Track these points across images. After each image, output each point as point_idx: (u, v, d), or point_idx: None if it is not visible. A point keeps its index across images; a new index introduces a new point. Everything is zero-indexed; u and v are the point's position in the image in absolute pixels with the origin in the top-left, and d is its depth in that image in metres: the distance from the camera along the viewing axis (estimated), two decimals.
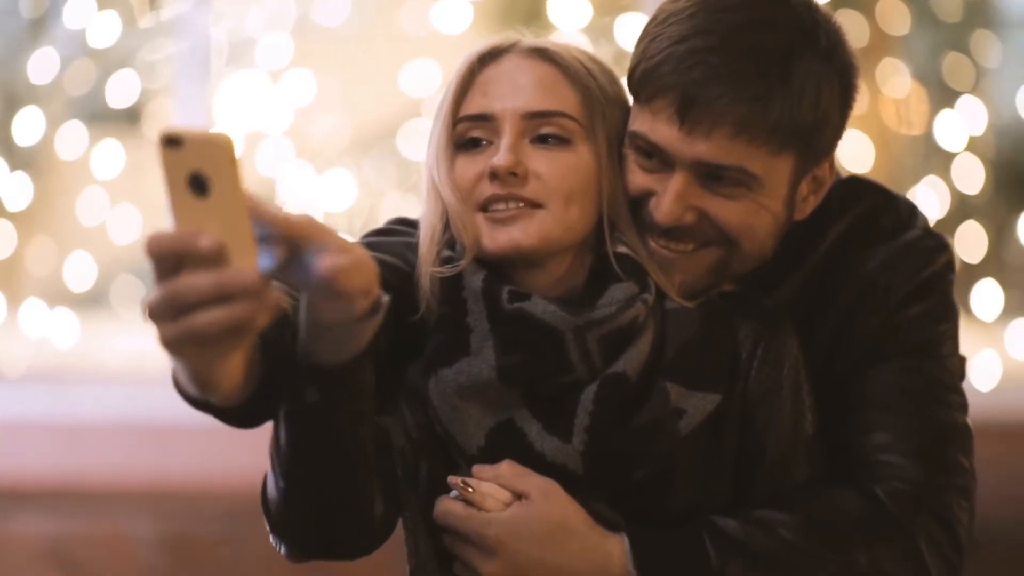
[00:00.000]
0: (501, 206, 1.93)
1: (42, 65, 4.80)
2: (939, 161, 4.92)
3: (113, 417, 4.43)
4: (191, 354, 1.35)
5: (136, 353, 4.69)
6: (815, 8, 1.99)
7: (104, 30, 4.78)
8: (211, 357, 1.36)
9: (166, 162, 1.32)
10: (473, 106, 1.97)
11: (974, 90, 5.00)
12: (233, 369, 1.40)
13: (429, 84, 4.76)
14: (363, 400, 1.75)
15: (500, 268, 1.97)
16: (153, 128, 4.91)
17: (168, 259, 1.32)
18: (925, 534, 1.99)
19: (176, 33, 4.73)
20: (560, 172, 1.94)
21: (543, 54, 1.98)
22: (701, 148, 1.92)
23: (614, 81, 2.02)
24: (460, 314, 1.94)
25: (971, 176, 4.91)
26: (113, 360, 4.70)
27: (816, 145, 1.98)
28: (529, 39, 2.01)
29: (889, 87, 5.00)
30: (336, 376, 1.68)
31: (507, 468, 1.93)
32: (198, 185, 1.32)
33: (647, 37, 1.97)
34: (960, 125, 4.95)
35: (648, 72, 1.94)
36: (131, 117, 4.88)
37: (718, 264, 2.01)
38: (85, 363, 4.72)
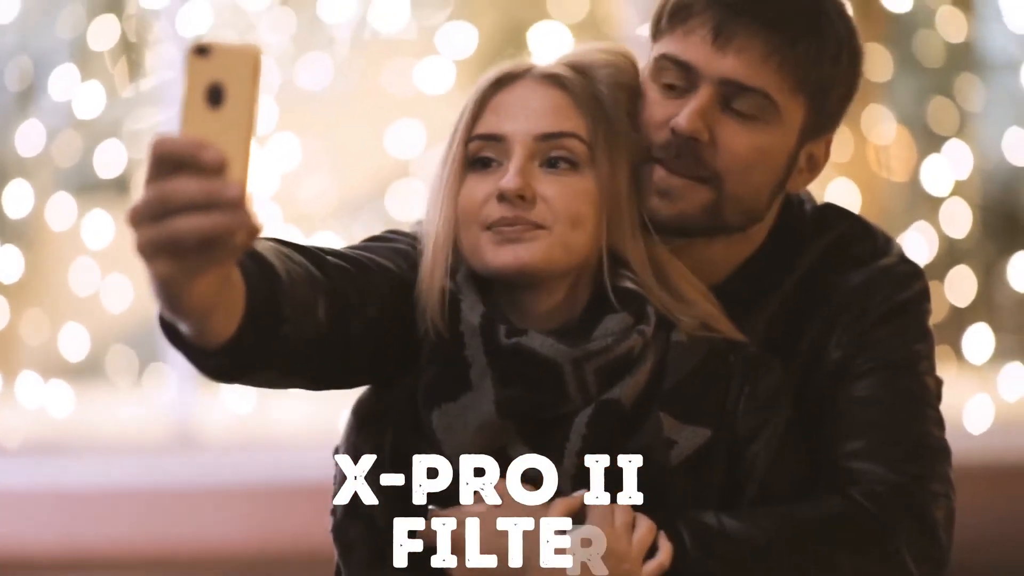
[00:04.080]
0: (507, 227, 1.96)
1: (29, 137, 4.84)
2: (926, 206, 4.93)
3: (110, 486, 4.44)
4: (165, 263, 1.35)
5: (132, 421, 4.70)
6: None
7: (89, 101, 4.82)
8: (185, 269, 1.35)
9: (191, 71, 1.33)
10: (485, 126, 1.99)
11: (959, 134, 5.02)
12: (204, 290, 1.39)
13: (415, 144, 4.80)
14: None
15: (498, 295, 2.00)
16: None
17: (169, 161, 1.32)
18: (905, 533, 1.99)
19: (160, 102, 4.77)
20: (567, 196, 1.96)
21: (555, 80, 2.01)
22: (731, 63, 1.98)
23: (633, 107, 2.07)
24: (458, 347, 1.97)
25: (959, 220, 4.91)
26: (109, 429, 4.70)
27: (825, 105, 2.03)
28: (542, 65, 2.03)
29: (874, 134, 5.02)
30: None
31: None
32: (215, 96, 1.34)
33: None
34: (946, 169, 4.96)
35: (683, 2, 2.02)
36: (119, 187, 4.90)
37: (711, 205, 2.01)
38: (81, 433, 4.73)
